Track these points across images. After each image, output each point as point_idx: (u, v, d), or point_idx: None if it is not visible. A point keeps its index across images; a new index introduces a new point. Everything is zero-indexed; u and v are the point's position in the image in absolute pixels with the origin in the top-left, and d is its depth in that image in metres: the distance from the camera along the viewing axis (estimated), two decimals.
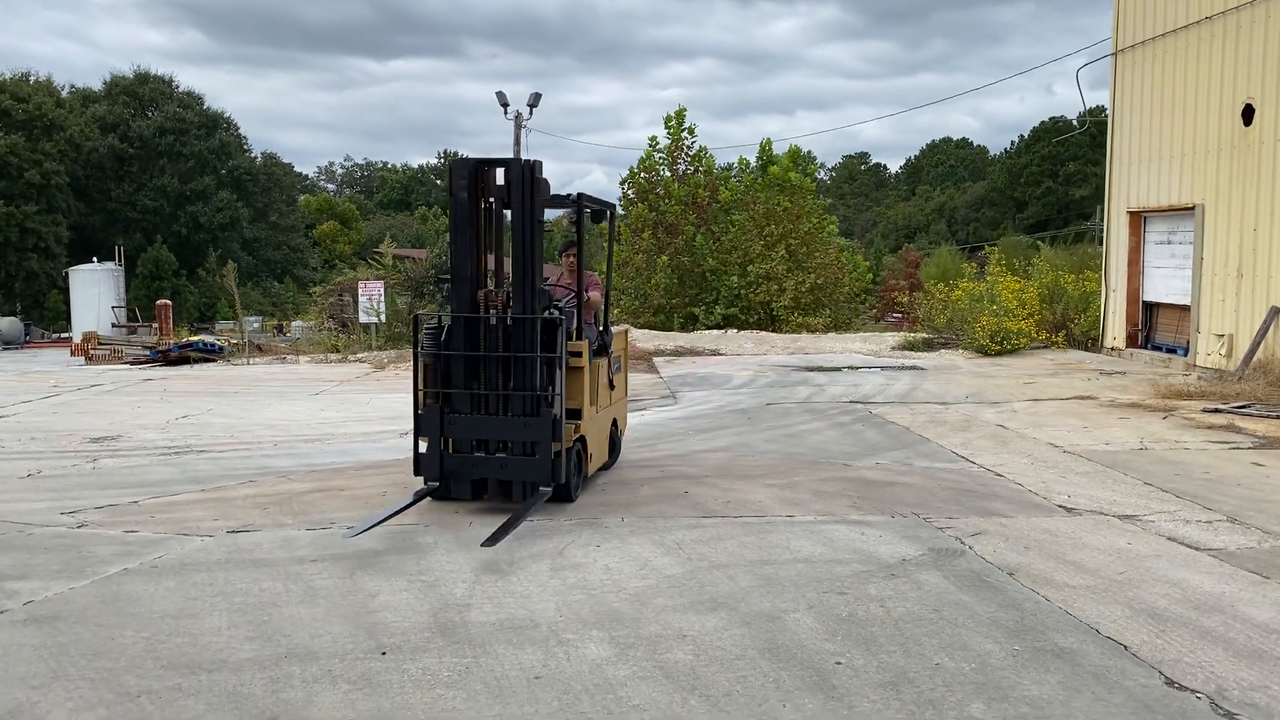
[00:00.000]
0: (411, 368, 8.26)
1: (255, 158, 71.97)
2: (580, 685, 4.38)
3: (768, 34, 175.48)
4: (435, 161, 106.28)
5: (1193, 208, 15.82)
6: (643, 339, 21.86)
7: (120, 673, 4.52)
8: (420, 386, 7.35)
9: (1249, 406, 12.03)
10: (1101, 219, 19.28)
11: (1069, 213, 72.06)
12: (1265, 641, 4.87)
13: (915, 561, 6.17)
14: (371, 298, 23.87)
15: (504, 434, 7.18)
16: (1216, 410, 11.89)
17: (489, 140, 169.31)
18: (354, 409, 13.19)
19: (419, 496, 7.33)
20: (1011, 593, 5.58)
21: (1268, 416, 11.44)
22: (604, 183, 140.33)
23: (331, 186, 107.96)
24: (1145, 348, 17.64)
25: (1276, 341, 13.80)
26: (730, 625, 5.07)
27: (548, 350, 7.15)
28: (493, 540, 6.26)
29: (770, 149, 31.79)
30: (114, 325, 35.09)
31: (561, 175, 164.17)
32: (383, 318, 24.56)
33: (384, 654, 4.74)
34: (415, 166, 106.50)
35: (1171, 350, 16.87)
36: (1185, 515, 7.32)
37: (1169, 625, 5.10)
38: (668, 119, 31.23)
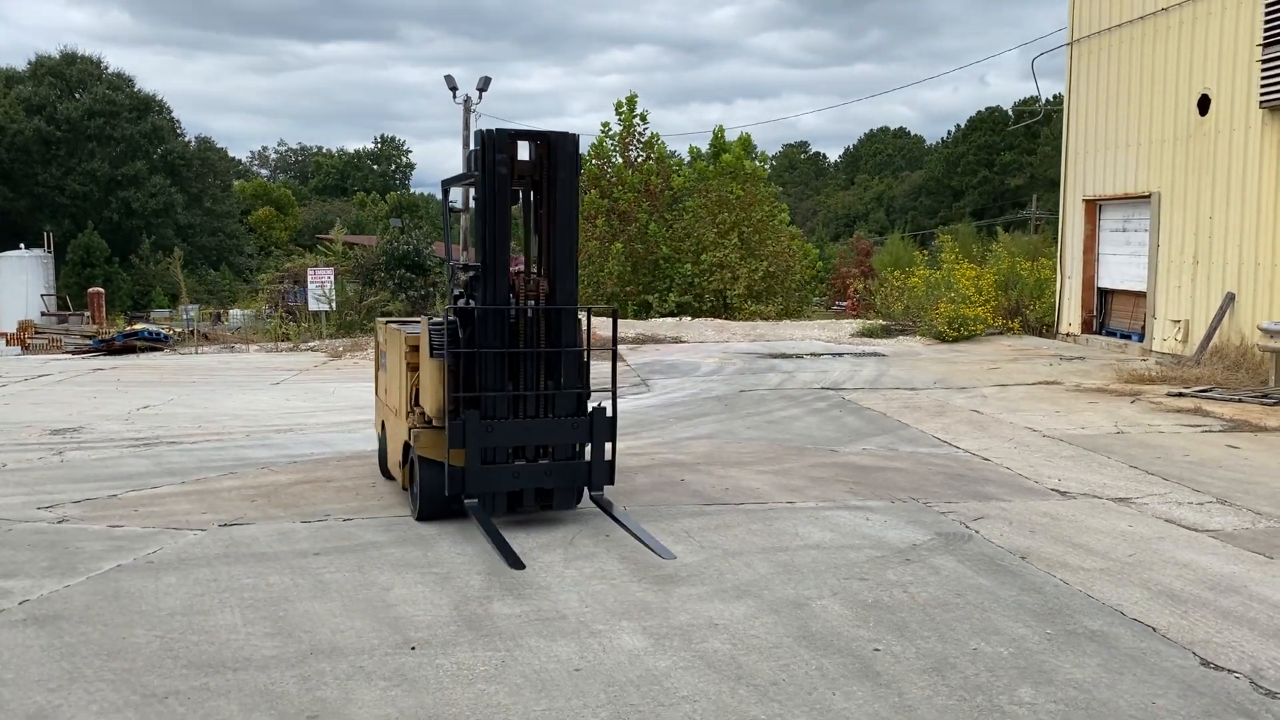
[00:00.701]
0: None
1: (189, 142, 70.27)
2: (624, 677, 4.30)
3: (708, 21, 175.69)
4: (372, 146, 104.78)
5: (1149, 196, 16.14)
6: (602, 326, 21.74)
7: (140, 673, 4.33)
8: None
9: (1210, 390, 12.31)
10: (1035, 207, 19.55)
11: (1004, 201, 73.30)
12: None
13: (926, 546, 6.18)
14: (322, 285, 23.42)
15: (550, 438, 6.41)
16: (1181, 394, 12.14)
17: (427, 125, 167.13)
18: (320, 398, 12.91)
19: (475, 511, 6.30)
20: (1029, 576, 5.61)
21: (1231, 400, 11.71)
22: None
23: (265, 172, 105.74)
24: (1100, 333, 17.98)
25: (1232, 327, 14.14)
26: (759, 613, 5.02)
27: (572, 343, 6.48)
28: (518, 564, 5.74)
29: (723, 136, 31.83)
30: (43, 314, 34.01)
31: None
32: (333, 305, 24.13)
33: (413, 649, 4.61)
34: (351, 151, 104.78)
35: (1126, 336, 17.21)
36: (1176, 497, 7.44)
37: (1190, 606, 5.16)
38: (618, 105, 31.09)
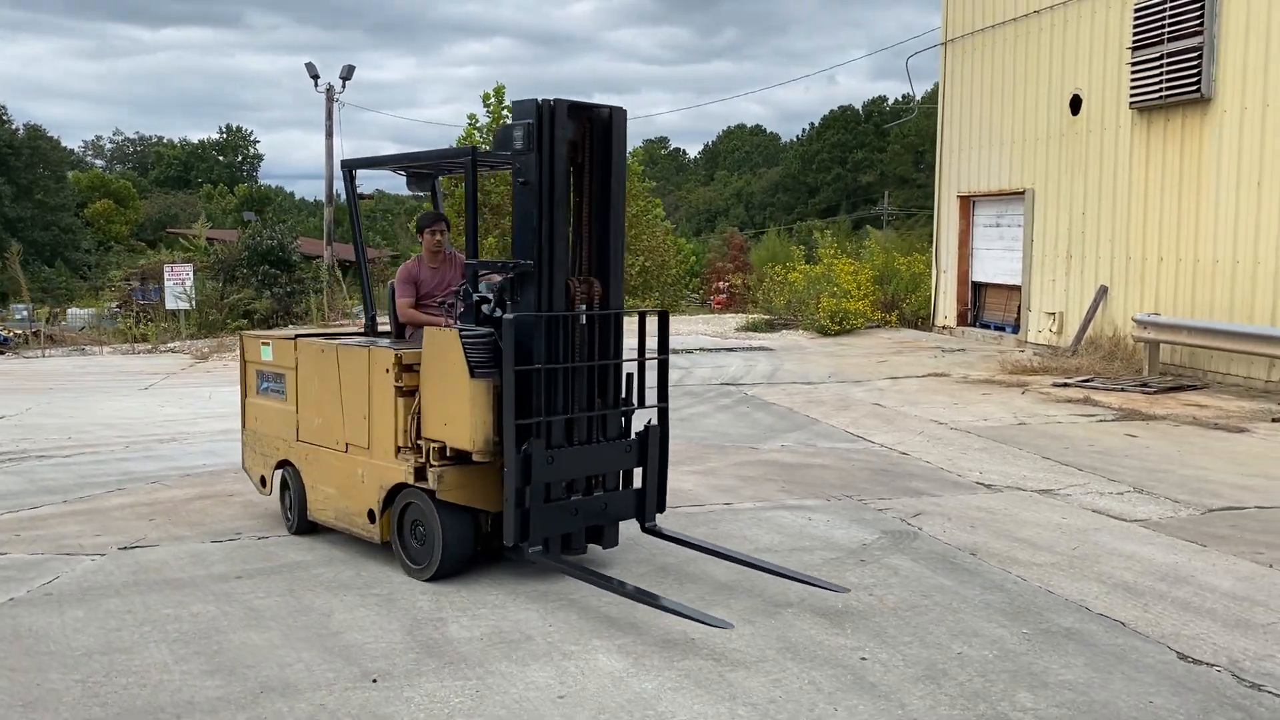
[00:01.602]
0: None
1: (16, 129, 65.69)
2: (613, 702, 4.03)
3: (565, 15, 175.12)
4: (217, 137, 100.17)
5: (1023, 192, 16.70)
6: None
7: None
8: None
9: (1093, 380, 12.79)
10: (887, 203, 20.07)
11: (856, 197, 75.51)
12: (1244, 610, 5.04)
13: (876, 546, 6.11)
14: (182, 282, 22.13)
15: (606, 464, 5.49)
16: (1065, 385, 12.57)
17: (275, 115, 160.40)
18: (197, 404, 12.10)
19: (551, 560, 5.30)
20: (987, 574, 5.59)
21: (1114, 389, 12.18)
22: None
23: (100, 162, 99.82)
24: (975, 326, 18.54)
25: (1105, 319, 14.75)
26: (735, 625, 4.81)
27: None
28: None
29: None
30: None
31: (354, 152, 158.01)
32: (193, 304, 22.85)
33: (375, 681, 4.23)
34: (195, 142, 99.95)
35: (1000, 328, 17.79)
36: (1095, 488, 7.61)
37: (1149, 599, 5.21)
38: (486, 96, 30.40)
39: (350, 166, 6.42)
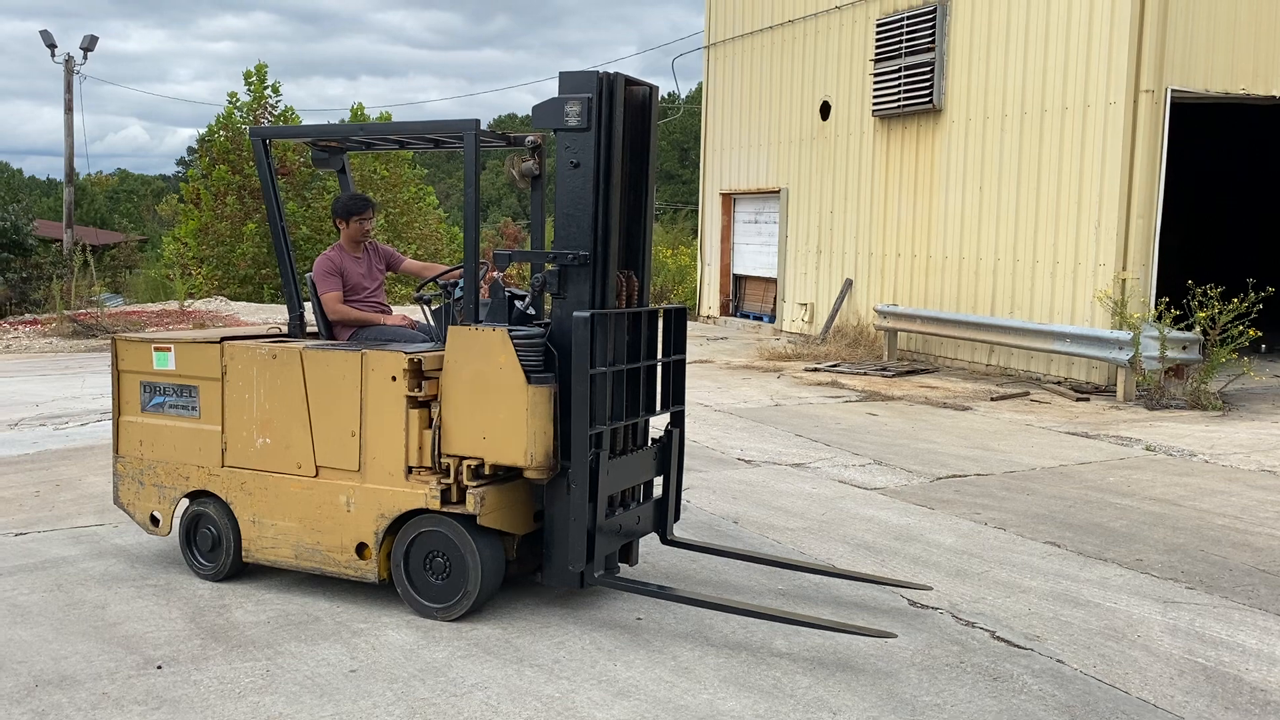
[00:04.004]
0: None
1: None
2: (404, 672, 4.21)
3: None
4: None
5: (778, 191, 17.79)
6: (246, 313, 20.44)
7: None
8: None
9: (839, 365, 13.87)
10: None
11: None
12: (963, 562, 5.79)
13: None
14: None
15: (640, 475, 5.13)
16: (816, 369, 13.57)
17: None
18: None
19: (624, 584, 4.89)
20: (747, 539, 6.11)
21: (858, 373, 13.27)
22: (144, 139, 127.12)
23: None
24: (736, 315, 19.58)
25: (850, 309, 15.99)
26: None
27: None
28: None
29: (363, 112, 30.87)
30: None
31: (95, 128, 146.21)
32: None
33: (160, 668, 4.22)
34: None
35: (759, 318, 18.88)
36: (841, 461, 8.38)
37: (885, 555, 5.88)
38: (247, 74, 29.18)
39: (262, 136, 5.62)
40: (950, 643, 4.61)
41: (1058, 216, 12.49)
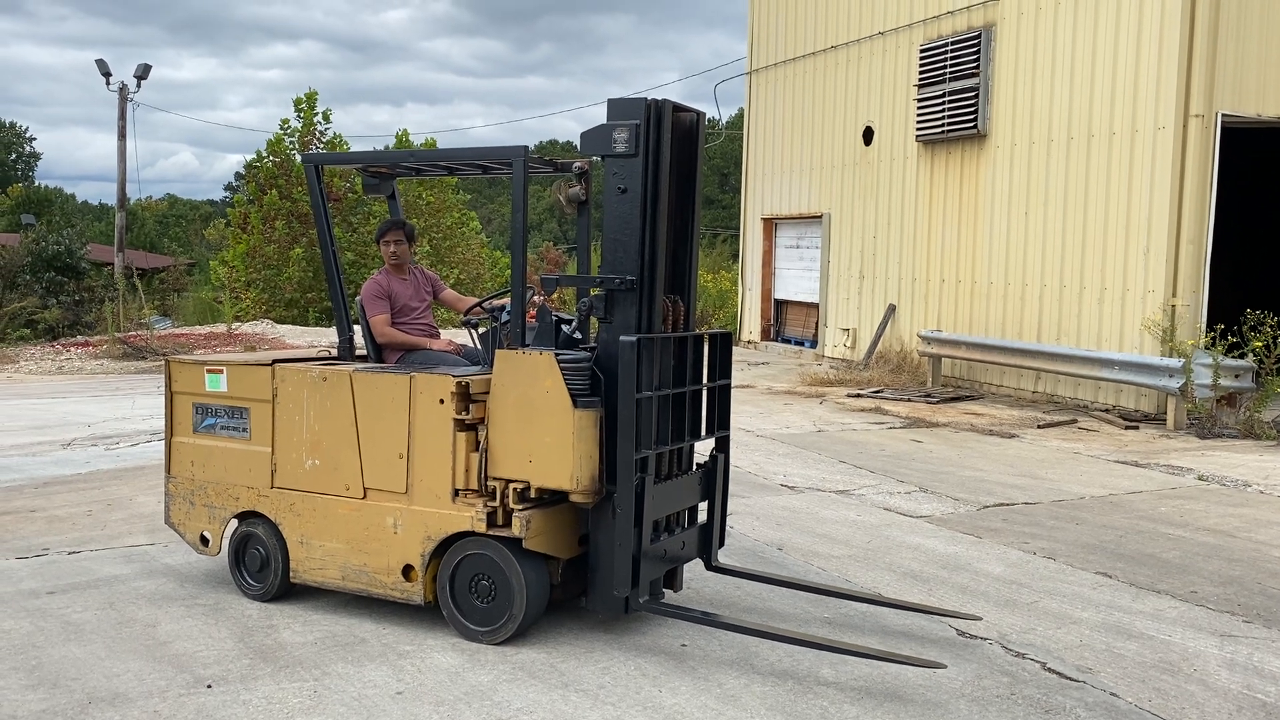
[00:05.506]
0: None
1: None
2: (450, 695, 4.22)
3: (378, 22, 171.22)
4: None
5: (820, 216, 17.76)
6: (292, 335, 20.73)
7: None
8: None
9: (882, 391, 13.77)
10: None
11: None
12: (1011, 592, 5.70)
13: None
14: None
15: (685, 500, 5.13)
16: (859, 395, 13.49)
17: (56, 112, 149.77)
18: None
19: (675, 611, 4.88)
20: (791, 566, 6.07)
21: (902, 399, 13.17)
22: (193, 165, 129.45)
23: None
24: (777, 340, 19.52)
25: (893, 335, 15.88)
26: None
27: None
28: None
29: (407, 139, 31.27)
30: None
31: (147, 154, 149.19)
32: None
33: (209, 687, 4.26)
34: None
35: (800, 343, 18.80)
36: (886, 488, 8.30)
37: (933, 584, 5.81)
38: (298, 101, 29.70)
39: (315, 162, 5.73)
40: (1000, 674, 4.54)
41: (1105, 242, 12.35)
